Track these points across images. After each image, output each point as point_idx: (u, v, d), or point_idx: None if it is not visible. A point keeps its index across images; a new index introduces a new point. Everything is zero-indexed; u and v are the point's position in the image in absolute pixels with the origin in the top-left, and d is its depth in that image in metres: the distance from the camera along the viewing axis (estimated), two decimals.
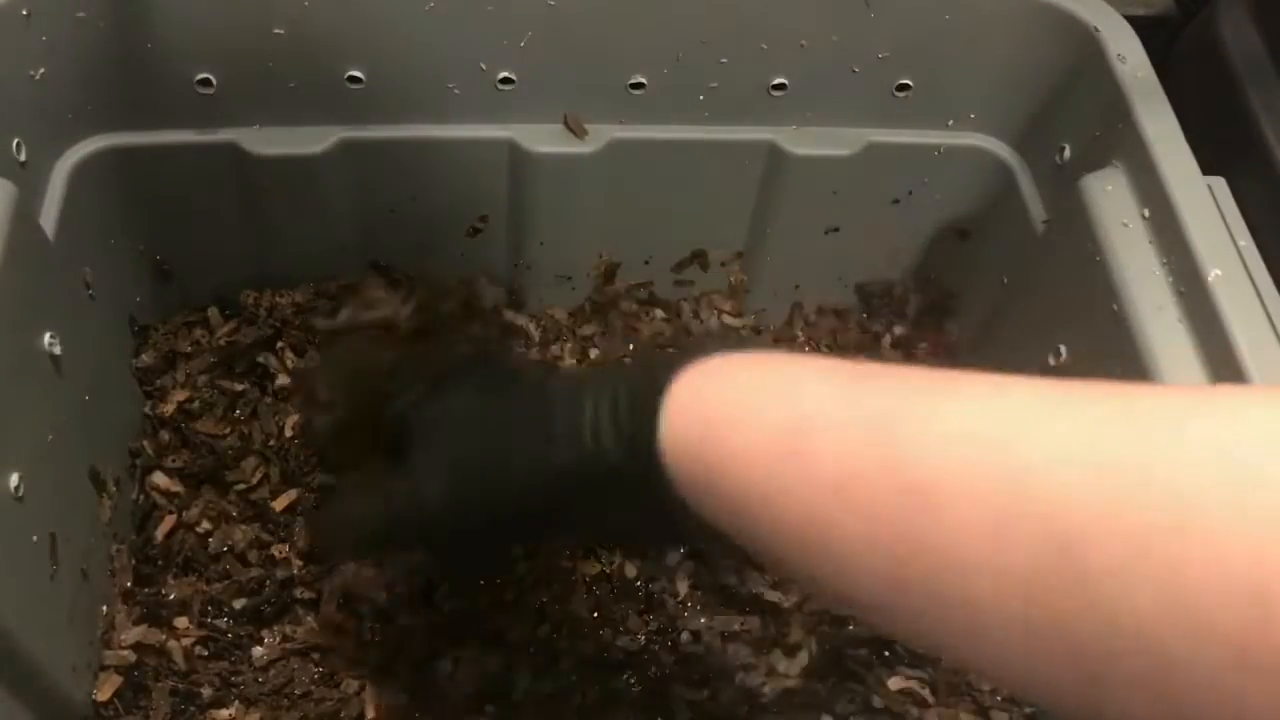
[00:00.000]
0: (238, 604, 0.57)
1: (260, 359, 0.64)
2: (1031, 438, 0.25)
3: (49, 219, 0.54)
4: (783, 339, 0.72)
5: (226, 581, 0.58)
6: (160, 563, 0.59)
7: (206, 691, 0.55)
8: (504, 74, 0.59)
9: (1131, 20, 0.57)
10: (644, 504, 0.34)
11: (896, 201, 0.67)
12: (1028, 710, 0.57)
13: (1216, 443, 0.22)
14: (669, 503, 0.32)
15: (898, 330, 0.72)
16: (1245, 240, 0.50)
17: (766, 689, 0.57)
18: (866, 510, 0.27)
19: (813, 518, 0.28)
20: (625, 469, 0.33)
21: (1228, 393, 0.24)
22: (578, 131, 0.61)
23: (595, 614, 0.58)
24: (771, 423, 0.29)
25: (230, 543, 0.59)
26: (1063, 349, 0.55)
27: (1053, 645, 0.23)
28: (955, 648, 0.26)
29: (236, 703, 0.55)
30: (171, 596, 0.57)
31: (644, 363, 0.36)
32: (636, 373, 0.35)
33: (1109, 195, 0.53)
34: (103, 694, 0.54)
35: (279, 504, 0.60)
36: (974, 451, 0.25)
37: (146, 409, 0.63)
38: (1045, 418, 0.25)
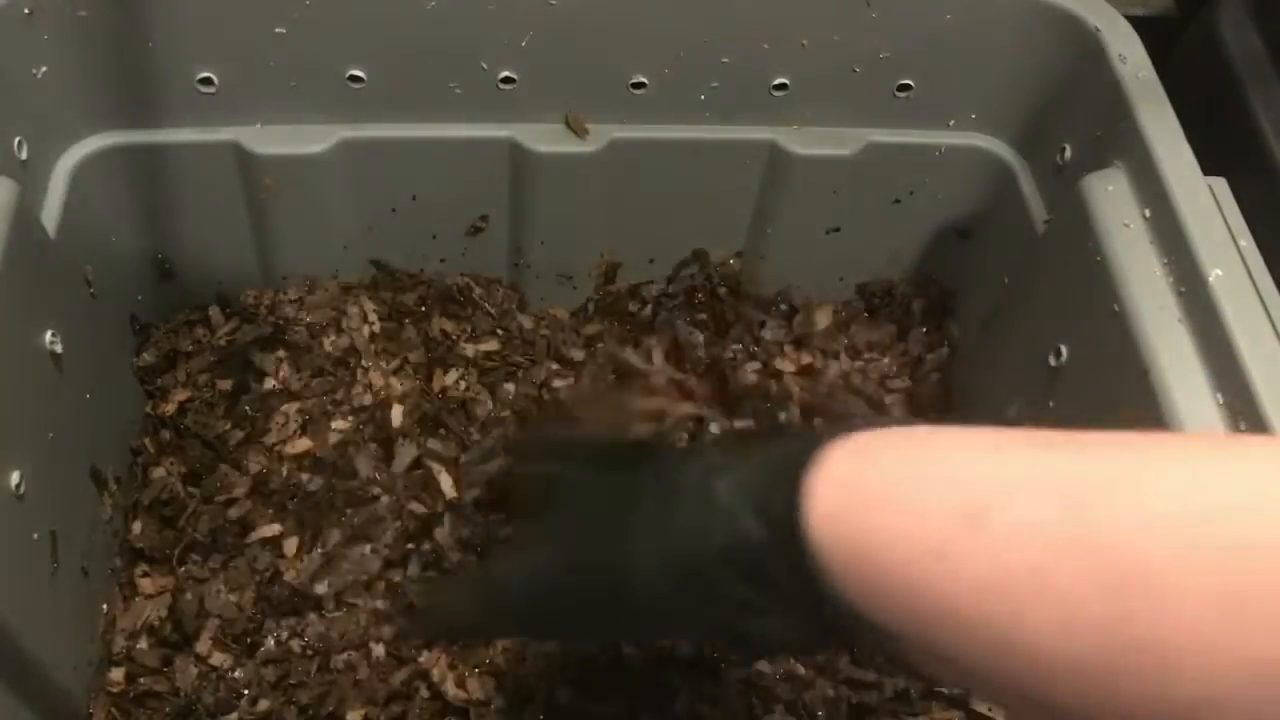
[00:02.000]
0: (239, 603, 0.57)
1: (257, 360, 0.65)
2: (1262, 506, 0.22)
3: (50, 217, 0.54)
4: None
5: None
6: (160, 562, 0.59)
7: (209, 690, 0.55)
8: (505, 73, 0.59)
9: (1132, 20, 0.57)
10: (780, 595, 0.30)
11: (897, 201, 0.67)
12: None
13: None
14: (812, 591, 0.28)
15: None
16: (1246, 240, 0.50)
17: None
18: (1063, 595, 0.24)
19: (995, 605, 0.25)
20: (762, 552, 0.30)
21: None
22: (579, 131, 0.61)
23: None
24: (945, 501, 0.26)
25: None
26: (1063, 349, 0.55)
27: None
28: None
29: (240, 701, 0.55)
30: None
31: (782, 440, 0.30)
32: (776, 448, 0.31)
33: (1110, 195, 0.53)
34: (104, 692, 0.54)
35: None
36: (1193, 529, 0.23)
37: (148, 408, 0.63)
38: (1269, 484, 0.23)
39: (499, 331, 0.68)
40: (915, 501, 0.27)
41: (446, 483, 0.61)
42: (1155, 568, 0.23)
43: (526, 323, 0.69)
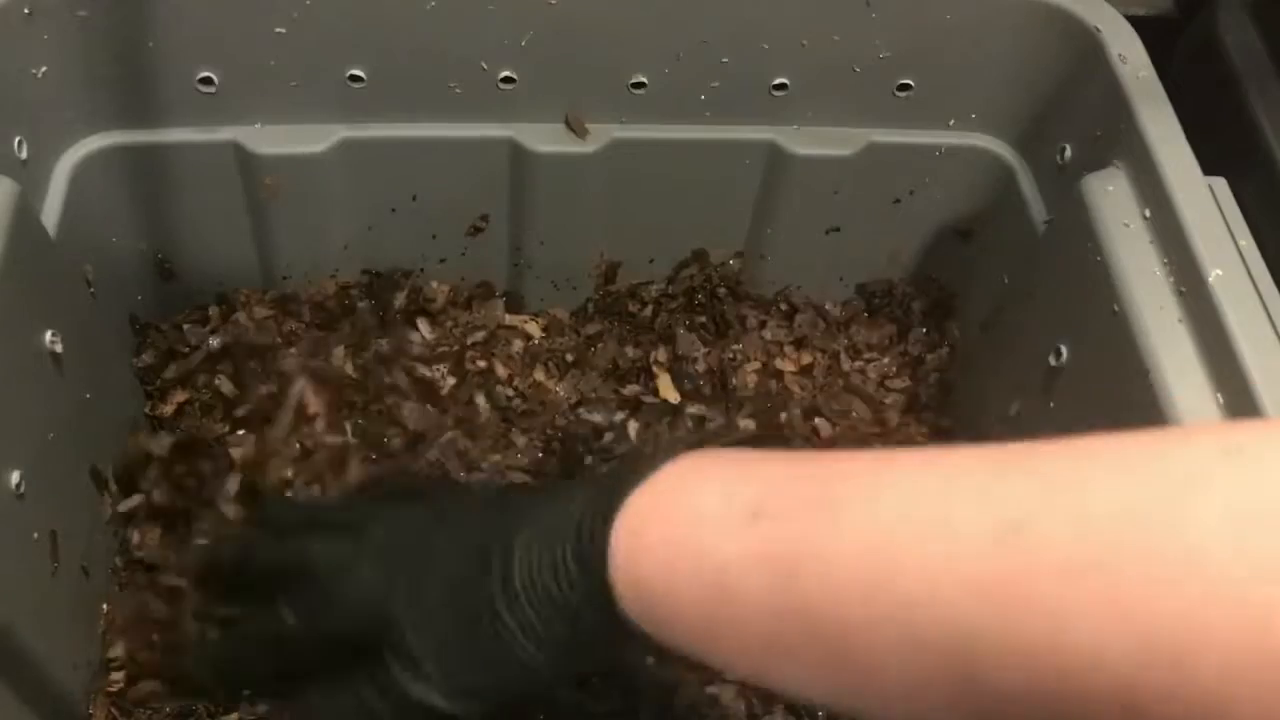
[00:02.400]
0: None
1: (253, 361, 0.64)
2: (913, 567, 0.27)
3: (50, 217, 0.54)
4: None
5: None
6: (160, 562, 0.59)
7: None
8: (505, 73, 0.59)
9: (1132, 20, 0.57)
10: (615, 640, 0.36)
11: (897, 201, 0.67)
12: None
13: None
14: (632, 637, 0.34)
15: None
16: (1246, 240, 0.50)
17: None
18: (795, 655, 0.30)
19: (752, 663, 0.32)
20: (589, 621, 0.35)
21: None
22: (579, 131, 0.61)
23: None
24: (698, 582, 0.32)
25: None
26: (1063, 349, 0.55)
27: None
28: None
29: (240, 701, 0.55)
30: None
31: (581, 507, 0.35)
32: (574, 531, 0.35)
33: (1110, 195, 0.53)
34: (104, 692, 0.54)
35: None
36: (865, 590, 0.28)
37: (147, 408, 0.63)
38: (923, 536, 0.27)
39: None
40: (680, 583, 0.32)
41: None
42: (845, 630, 0.28)
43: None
